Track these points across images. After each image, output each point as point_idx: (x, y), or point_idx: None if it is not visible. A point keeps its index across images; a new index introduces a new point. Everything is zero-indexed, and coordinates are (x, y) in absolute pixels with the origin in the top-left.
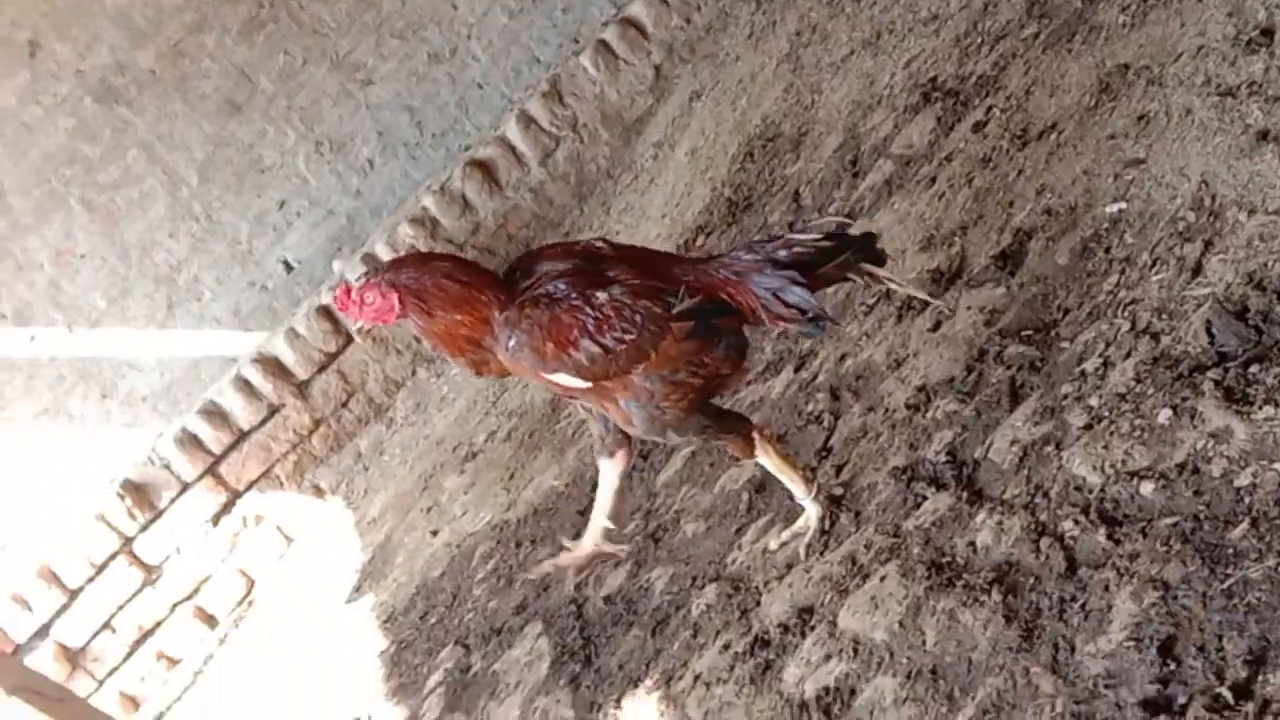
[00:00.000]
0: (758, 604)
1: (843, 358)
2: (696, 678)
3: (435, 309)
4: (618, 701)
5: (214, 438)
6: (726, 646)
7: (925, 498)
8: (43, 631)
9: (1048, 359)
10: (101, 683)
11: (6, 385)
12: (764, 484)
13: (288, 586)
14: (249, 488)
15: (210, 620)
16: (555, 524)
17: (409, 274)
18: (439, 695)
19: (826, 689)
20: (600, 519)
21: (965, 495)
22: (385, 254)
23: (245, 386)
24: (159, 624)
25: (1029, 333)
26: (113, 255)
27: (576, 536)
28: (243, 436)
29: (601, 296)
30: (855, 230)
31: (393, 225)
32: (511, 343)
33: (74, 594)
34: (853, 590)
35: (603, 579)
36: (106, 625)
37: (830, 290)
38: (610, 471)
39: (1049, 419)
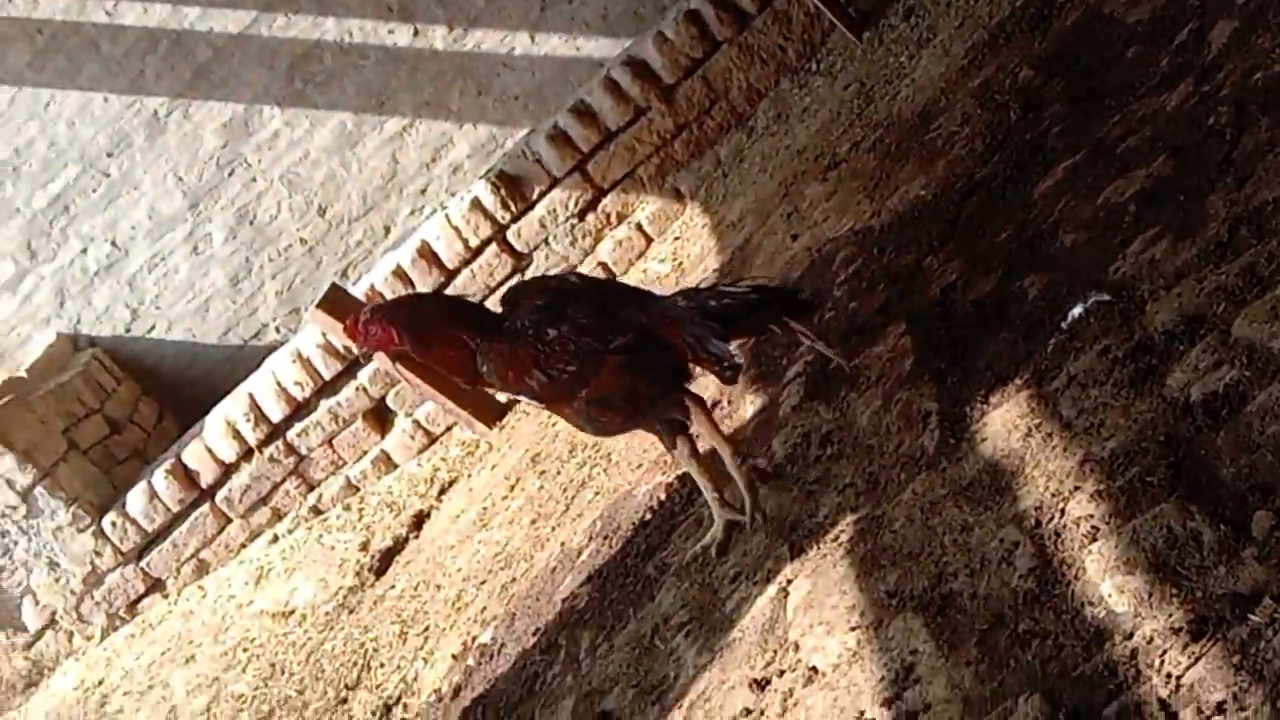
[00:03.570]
0: (1141, 312)
1: (1251, 70)
2: (1071, 378)
3: (432, 344)
4: (985, 397)
5: (583, 136)
6: (1105, 351)
7: None
8: None
9: None
10: None
11: (392, 77)
12: (1153, 194)
13: (646, 282)
14: (613, 187)
15: None
16: (921, 232)
17: (404, 312)
18: (798, 384)
19: (1214, 394)
20: (713, 501)
21: None
22: None
23: (614, 88)
24: None
25: None
26: None
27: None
28: (610, 137)
29: (552, 333)
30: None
31: None
32: (484, 368)
33: (451, 274)
34: (1251, 300)
35: (972, 284)
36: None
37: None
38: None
39: None
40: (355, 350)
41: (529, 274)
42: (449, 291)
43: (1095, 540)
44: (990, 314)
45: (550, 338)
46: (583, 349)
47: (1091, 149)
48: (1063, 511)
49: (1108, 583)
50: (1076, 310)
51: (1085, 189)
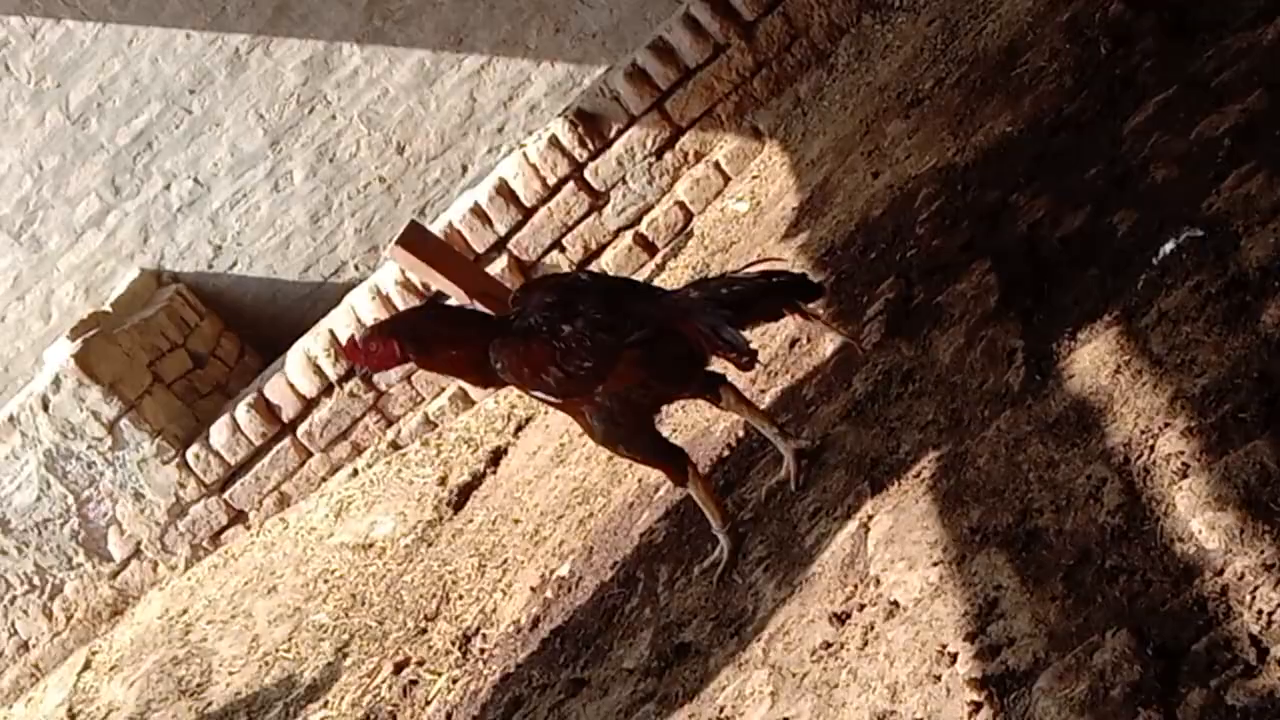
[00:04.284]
0: (1235, 248)
1: None
2: (1162, 315)
3: (434, 349)
4: (1072, 334)
5: (661, 73)
6: (1198, 287)
7: None
8: (500, 244)
9: None
10: None
11: (470, 14)
12: (1248, 130)
13: (723, 220)
14: (691, 125)
15: (649, 248)
16: (1007, 169)
17: (404, 324)
18: (879, 322)
19: None
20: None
21: None
22: None
23: (693, 25)
24: (603, 247)
25: None
26: None
27: None
28: (688, 74)
29: (567, 329)
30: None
31: None
32: (498, 366)
33: (528, 212)
34: None
35: (1060, 220)
36: (556, 244)
37: None
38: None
39: None
40: (356, 371)
41: (605, 212)
42: (528, 225)
43: (1185, 477)
44: (1078, 251)
45: (565, 334)
46: (598, 344)
47: (1184, 84)
48: (1152, 448)
49: (1198, 519)
50: (1168, 246)
51: (1178, 124)
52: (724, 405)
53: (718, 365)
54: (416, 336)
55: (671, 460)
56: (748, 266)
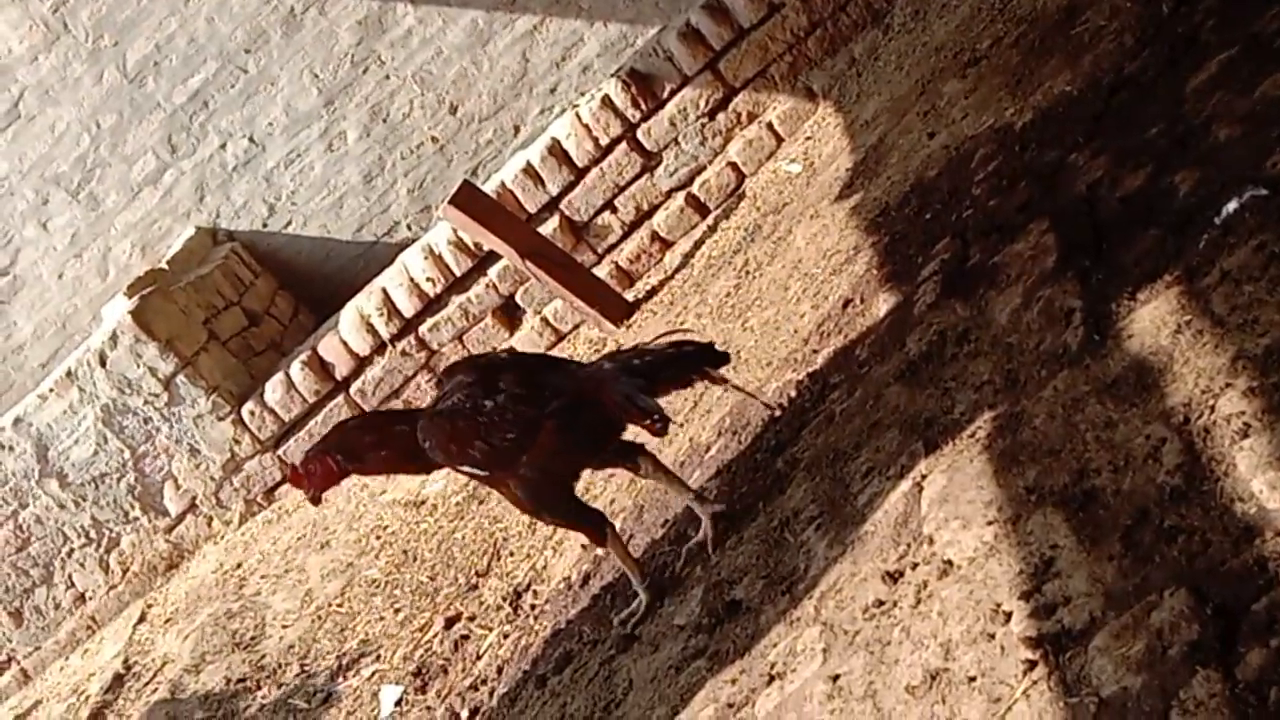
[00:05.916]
0: None
1: None
2: (1224, 275)
3: (364, 455)
4: (1132, 294)
5: (715, 33)
6: (1261, 246)
7: None
8: (552, 205)
9: None
10: (601, 256)
11: None
12: None
13: (776, 182)
14: (744, 85)
15: (701, 209)
16: (1066, 129)
17: (332, 440)
18: (934, 283)
19: None
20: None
21: None
22: None
23: None
24: (655, 208)
25: None
26: None
27: None
28: (742, 34)
29: (489, 404)
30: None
31: None
32: (427, 445)
33: (581, 173)
34: None
35: (1120, 180)
36: (608, 205)
37: None
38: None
39: None
40: (305, 497)
41: (657, 173)
42: (580, 186)
43: (1247, 437)
44: (1139, 211)
45: (488, 409)
46: (520, 416)
47: (1247, 43)
48: (1213, 408)
49: (1259, 479)
50: (1231, 205)
51: (1241, 83)
52: (642, 473)
53: (634, 433)
54: (346, 448)
55: (592, 524)
56: (658, 338)
